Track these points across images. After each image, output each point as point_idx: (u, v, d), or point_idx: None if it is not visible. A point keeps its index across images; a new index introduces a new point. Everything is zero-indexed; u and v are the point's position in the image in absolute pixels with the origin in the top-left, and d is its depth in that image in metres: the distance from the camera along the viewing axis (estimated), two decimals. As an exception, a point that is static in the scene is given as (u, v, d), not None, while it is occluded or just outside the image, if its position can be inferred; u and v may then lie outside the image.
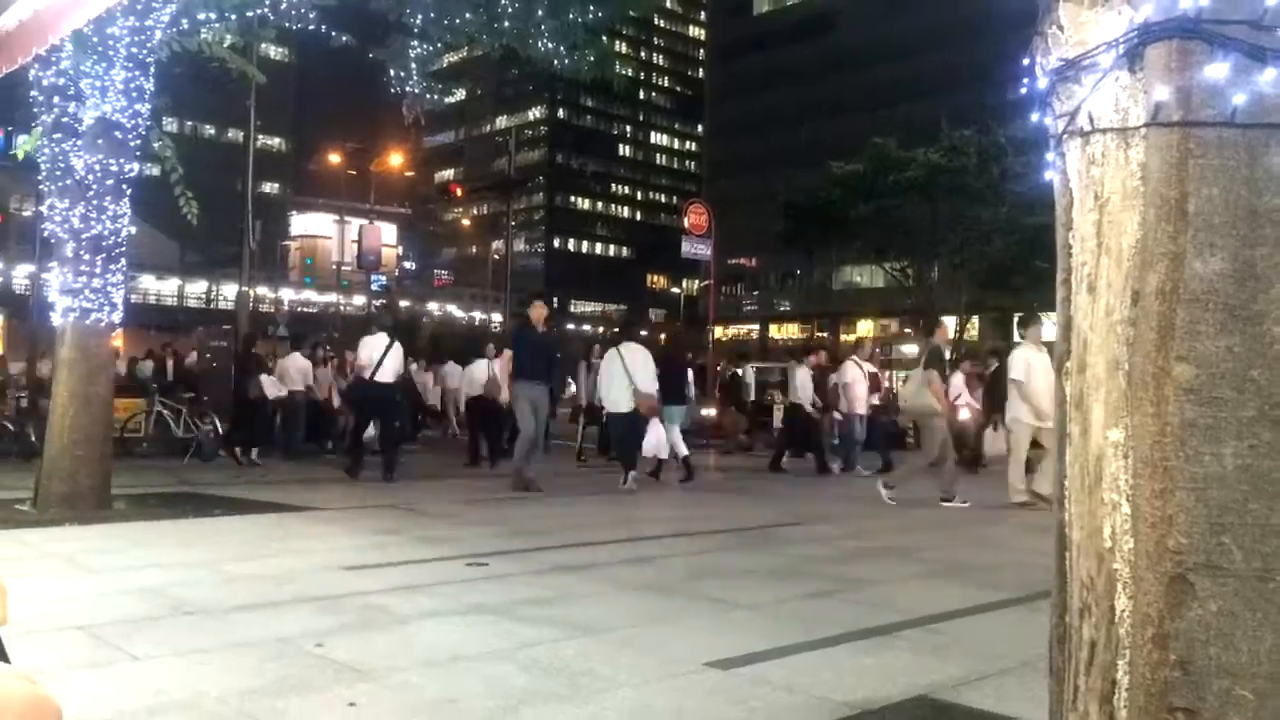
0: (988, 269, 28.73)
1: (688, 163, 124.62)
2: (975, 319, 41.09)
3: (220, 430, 13.73)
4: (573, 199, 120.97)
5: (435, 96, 11.22)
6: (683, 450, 11.94)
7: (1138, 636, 1.64)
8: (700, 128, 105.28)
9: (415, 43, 10.21)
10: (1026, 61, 1.93)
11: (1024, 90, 1.95)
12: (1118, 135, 1.74)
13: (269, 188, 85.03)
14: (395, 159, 58.87)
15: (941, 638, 4.51)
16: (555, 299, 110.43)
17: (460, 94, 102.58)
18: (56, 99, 8.00)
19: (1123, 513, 1.67)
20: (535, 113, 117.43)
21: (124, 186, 8.23)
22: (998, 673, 3.89)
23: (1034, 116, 1.94)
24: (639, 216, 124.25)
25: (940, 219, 27.40)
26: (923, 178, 26.66)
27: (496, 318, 52.93)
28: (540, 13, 9.81)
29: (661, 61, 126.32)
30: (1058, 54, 1.83)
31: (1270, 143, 1.64)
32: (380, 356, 11.38)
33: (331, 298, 61.26)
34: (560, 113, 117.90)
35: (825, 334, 65.75)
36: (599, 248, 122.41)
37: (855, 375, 14.19)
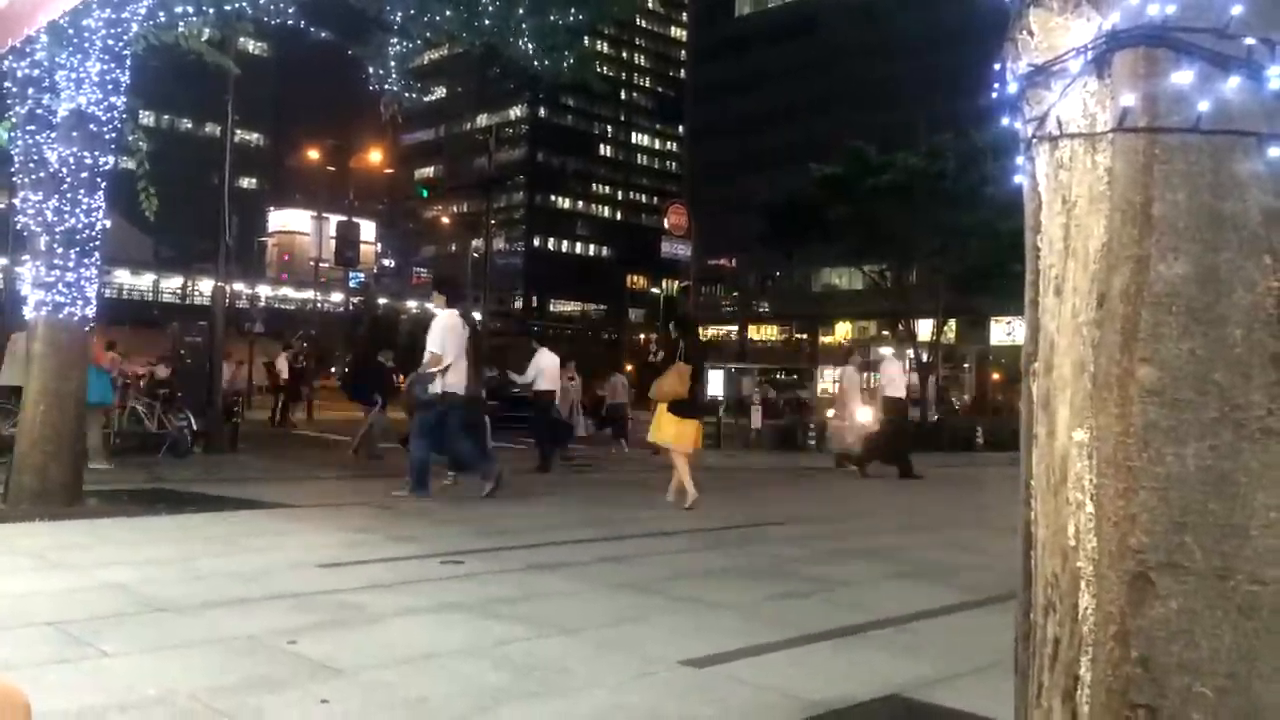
0: (965, 272, 28.92)
1: (668, 163, 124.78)
2: (953, 321, 41.33)
3: (194, 426, 13.63)
4: (553, 198, 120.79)
5: (415, 94, 11.18)
6: None
7: (1100, 634, 1.66)
8: (681, 128, 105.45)
9: (395, 39, 10.16)
10: (997, 67, 1.96)
11: (995, 95, 1.97)
12: (1085, 140, 1.76)
13: (247, 183, 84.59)
14: (374, 156, 58.63)
15: (914, 637, 4.55)
16: (535, 297, 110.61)
17: (440, 91, 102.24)
18: (31, 90, 7.91)
19: (1087, 512, 1.70)
20: (516, 111, 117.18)
21: (98, 180, 8.16)
22: (969, 672, 3.93)
23: (1004, 121, 1.97)
24: (619, 216, 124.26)
25: (918, 222, 27.54)
26: (901, 181, 26.80)
27: (476, 315, 52.82)
28: (520, 12, 9.80)
29: (642, 62, 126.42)
30: (1027, 59, 1.85)
31: (1234, 149, 1.67)
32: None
33: (309, 294, 60.95)
34: (541, 111, 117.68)
35: (804, 335, 66.08)
36: (579, 247, 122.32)
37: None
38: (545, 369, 13.88)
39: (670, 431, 9.21)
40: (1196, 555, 1.61)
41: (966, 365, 54.24)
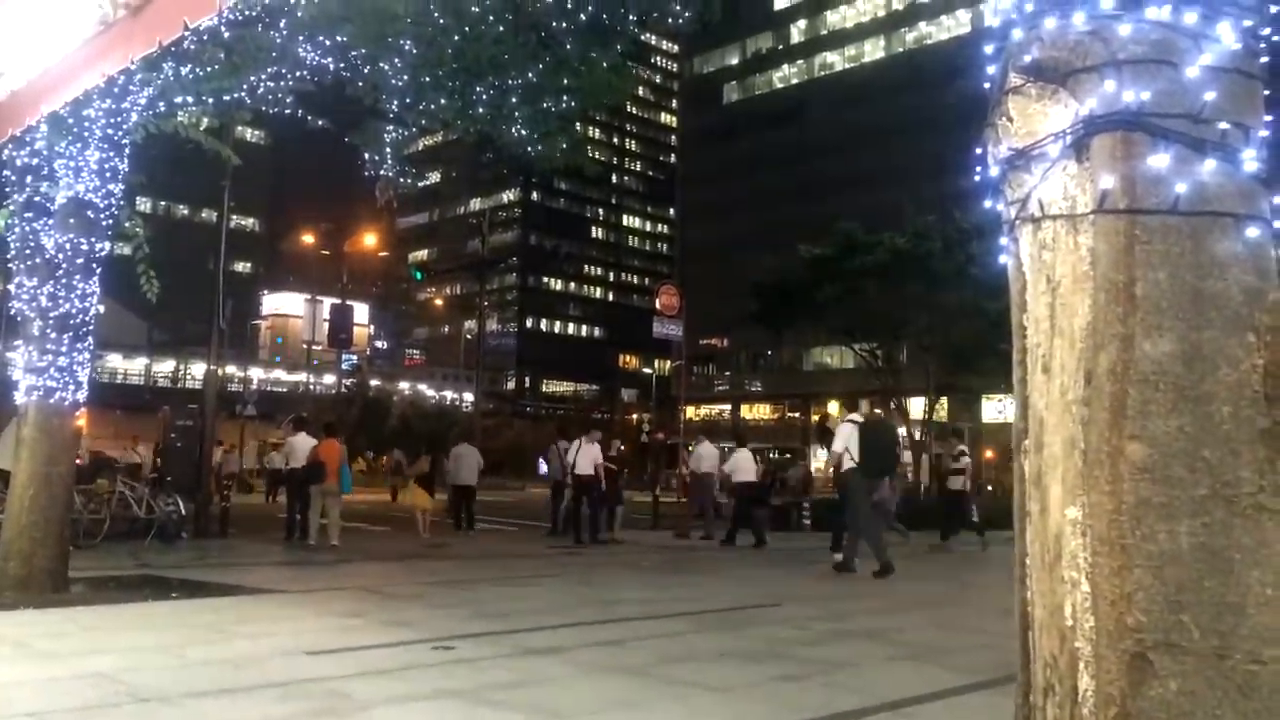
0: (954, 350, 29.09)
1: (659, 245, 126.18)
2: (944, 399, 41.41)
3: (183, 511, 13.48)
4: (545, 279, 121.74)
5: (409, 179, 11.36)
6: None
7: (1101, 716, 1.65)
8: (671, 210, 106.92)
9: (390, 127, 10.36)
10: (979, 151, 2.01)
11: (978, 178, 2.02)
12: (1067, 221, 1.80)
13: (241, 267, 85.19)
14: (369, 239, 59.20)
15: (913, 721, 4.47)
16: (527, 378, 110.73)
17: (434, 176, 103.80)
18: (29, 178, 8.02)
19: (1083, 590, 1.69)
20: (509, 195, 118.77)
21: (94, 265, 8.22)
22: (970, 757, 3.85)
23: (987, 203, 2.01)
24: (611, 297, 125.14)
25: (907, 301, 27.84)
26: (889, 261, 27.14)
27: (468, 397, 52.80)
28: (514, 100, 10.01)
29: (634, 146, 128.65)
30: (1008, 144, 1.91)
31: (1213, 229, 1.71)
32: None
33: (301, 376, 60.90)
34: (534, 195, 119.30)
35: (796, 414, 66.04)
36: (571, 328, 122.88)
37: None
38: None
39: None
40: (1194, 634, 1.60)
41: (962, 447, 54.08)
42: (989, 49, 1.98)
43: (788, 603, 8.62)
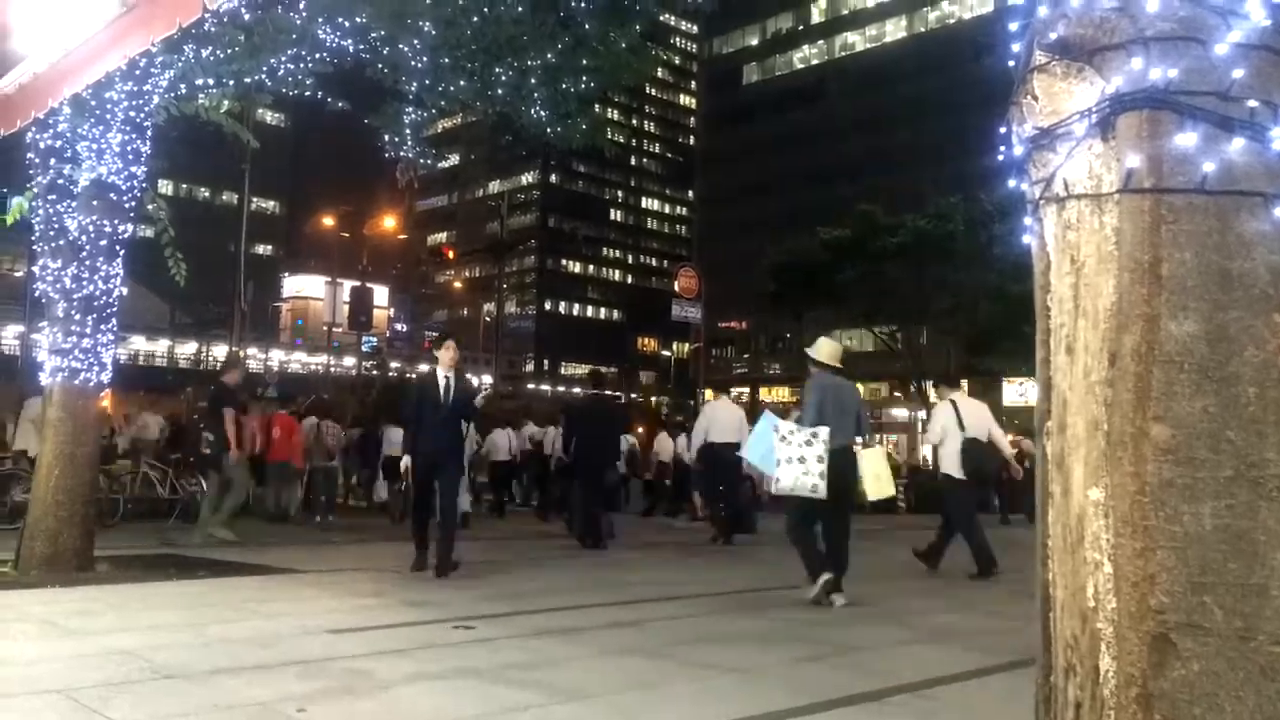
0: (976, 333, 28.94)
1: (678, 227, 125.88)
2: (965, 382, 41.19)
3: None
4: (564, 262, 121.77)
5: (429, 161, 11.37)
6: None
7: (1122, 697, 1.64)
8: (691, 193, 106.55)
9: (410, 109, 10.37)
10: (1003, 130, 1.99)
11: (1001, 158, 2.00)
12: (1092, 201, 1.78)
13: (262, 249, 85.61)
14: (388, 222, 59.30)
15: (932, 703, 4.47)
16: (546, 360, 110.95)
17: (453, 159, 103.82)
18: (53, 161, 8.07)
19: (1105, 572, 1.68)
20: (528, 177, 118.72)
21: (117, 247, 8.28)
22: (988, 739, 3.85)
23: (1011, 183, 1.99)
24: (630, 280, 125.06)
25: (927, 284, 27.69)
26: (910, 243, 27.02)
27: (487, 379, 52.96)
28: (533, 81, 9.99)
29: (653, 129, 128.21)
30: (1033, 123, 1.89)
31: (1240, 209, 1.68)
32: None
33: (322, 358, 61.23)
34: (553, 177, 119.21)
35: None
36: (590, 310, 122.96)
37: None
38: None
39: None
40: (1217, 616, 1.59)
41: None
42: (1014, 26, 1.96)
43: (803, 585, 8.62)
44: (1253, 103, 1.70)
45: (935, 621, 6.83)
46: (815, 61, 77.51)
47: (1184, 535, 1.62)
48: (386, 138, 10.55)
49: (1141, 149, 1.71)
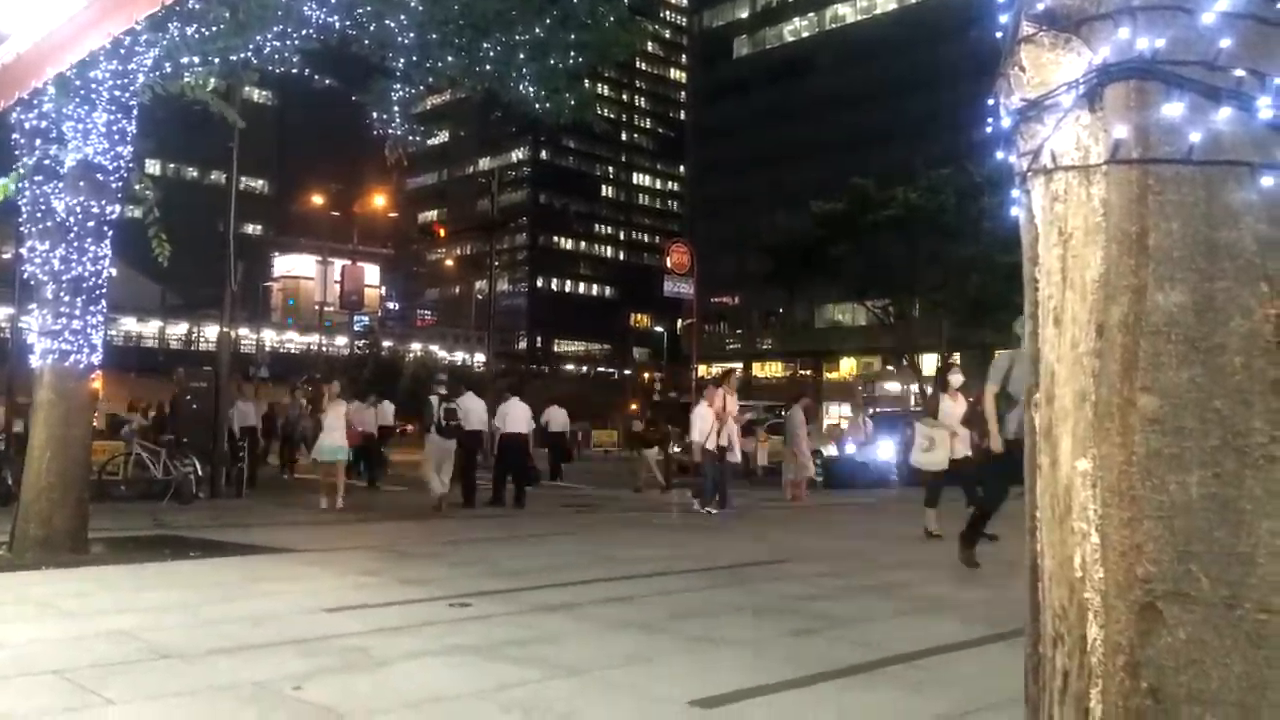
0: (967, 305, 28.99)
1: (670, 202, 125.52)
2: (957, 355, 41.31)
3: (200, 472, 13.63)
4: (556, 239, 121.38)
5: (418, 138, 11.29)
6: None
7: (1109, 665, 1.65)
8: (682, 168, 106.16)
9: (397, 86, 10.28)
10: (991, 102, 1.98)
11: (990, 130, 1.99)
12: (1079, 173, 1.78)
13: (251, 229, 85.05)
14: (378, 200, 59.04)
15: (925, 674, 4.51)
16: (538, 338, 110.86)
17: (443, 136, 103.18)
18: (38, 141, 8.01)
19: (1092, 542, 1.69)
20: (518, 154, 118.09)
21: (105, 228, 8.23)
22: (983, 708, 3.89)
23: (999, 155, 1.99)
24: (622, 256, 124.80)
25: (919, 257, 27.72)
26: (902, 216, 27.00)
27: (479, 357, 52.92)
28: (521, 56, 9.92)
29: (643, 103, 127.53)
30: (1020, 94, 1.88)
31: (1227, 179, 1.68)
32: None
33: (313, 338, 61.11)
34: (543, 154, 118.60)
35: (809, 372, 66.04)
36: (582, 287, 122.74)
37: None
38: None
39: None
40: (1204, 584, 1.60)
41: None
42: (1002, -3, 1.95)
43: (795, 560, 8.68)
44: (1240, 72, 1.70)
45: (927, 593, 6.89)
46: (806, 34, 77.00)
47: (1171, 505, 1.63)
48: (375, 115, 10.48)
49: (1129, 120, 1.71)
